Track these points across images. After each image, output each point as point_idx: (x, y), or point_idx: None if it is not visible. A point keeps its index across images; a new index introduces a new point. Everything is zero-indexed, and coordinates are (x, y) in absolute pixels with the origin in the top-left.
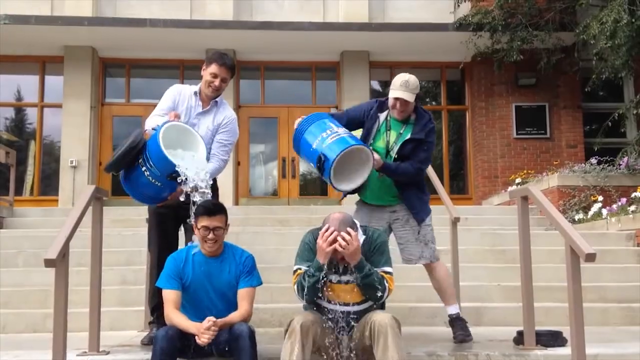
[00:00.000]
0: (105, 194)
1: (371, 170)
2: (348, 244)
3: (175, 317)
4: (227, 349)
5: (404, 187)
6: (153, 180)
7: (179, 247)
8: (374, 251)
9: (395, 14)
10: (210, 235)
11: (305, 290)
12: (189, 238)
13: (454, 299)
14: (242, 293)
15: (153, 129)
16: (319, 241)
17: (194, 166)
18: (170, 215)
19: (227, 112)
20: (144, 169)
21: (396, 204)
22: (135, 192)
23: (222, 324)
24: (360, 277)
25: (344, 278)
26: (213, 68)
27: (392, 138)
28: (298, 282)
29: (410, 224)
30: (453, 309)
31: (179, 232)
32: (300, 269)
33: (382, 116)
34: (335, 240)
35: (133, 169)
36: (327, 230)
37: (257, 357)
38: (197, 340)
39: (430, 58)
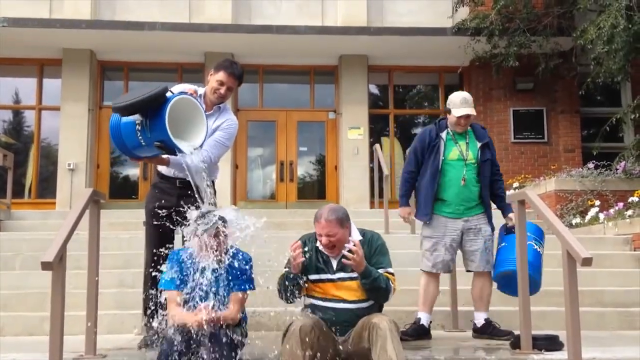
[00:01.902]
0: (103, 197)
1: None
2: (354, 254)
3: (176, 314)
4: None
5: (485, 196)
6: (140, 137)
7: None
8: (376, 253)
9: (394, 18)
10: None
11: (282, 290)
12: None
13: (487, 306)
14: (233, 296)
15: (171, 91)
16: (290, 252)
17: (189, 150)
18: (166, 214)
19: (229, 116)
20: (138, 122)
21: (471, 215)
22: (117, 137)
23: (214, 316)
24: (368, 283)
25: (346, 275)
26: (220, 75)
27: (463, 148)
28: (279, 282)
29: (482, 233)
30: (485, 315)
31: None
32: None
33: (444, 134)
34: (301, 251)
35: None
36: (295, 243)
37: (235, 356)
38: (194, 324)
39: (428, 62)
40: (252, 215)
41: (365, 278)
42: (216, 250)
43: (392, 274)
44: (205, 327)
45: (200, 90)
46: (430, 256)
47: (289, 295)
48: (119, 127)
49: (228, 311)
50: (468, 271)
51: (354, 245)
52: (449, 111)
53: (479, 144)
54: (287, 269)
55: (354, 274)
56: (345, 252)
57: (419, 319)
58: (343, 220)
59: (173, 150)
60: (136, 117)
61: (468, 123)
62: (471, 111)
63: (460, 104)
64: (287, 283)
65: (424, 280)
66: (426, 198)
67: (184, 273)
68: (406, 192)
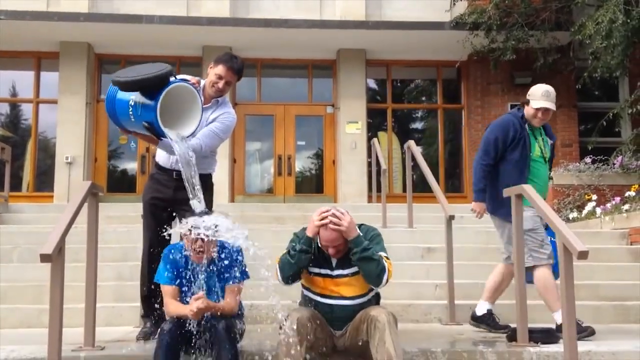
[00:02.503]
0: (101, 190)
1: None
2: (340, 220)
3: (173, 307)
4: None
5: None
6: (130, 112)
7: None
8: (371, 241)
9: (392, 12)
10: (198, 245)
11: (287, 264)
12: None
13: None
14: (228, 288)
15: (174, 75)
16: (314, 215)
17: (176, 137)
18: (162, 206)
19: (228, 109)
20: (132, 97)
21: None
22: (110, 106)
23: (212, 305)
24: (359, 251)
25: (345, 271)
26: (220, 69)
27: (541, 144)
28: (281, 260)
29: None
30: (489, 306)
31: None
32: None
33: (526, 127)
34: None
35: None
36: (325, 210)
37: (236, 350)
38: (190, 314)
39: (426, 56)
40: (241, 224)
41: (357, 246)
42: (203, 252)
43: (387, 257)
44: (201, 316)
45: (202, 83)
46: (542, 248)
47: (290, 274)
48: (114, 98)
49: (225, 302)
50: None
51: (342, 213)
52: (528, 102)
53: (550, 142)
54: (293, 244)
55: (353, 270)
56: (329, 217)
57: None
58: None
59: (159, 134)
60: (133, 93)
61: (546, 118)
62: (552, 106)
63: (541, 96)
64: (292, 255)
65: (547, 274)
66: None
67: (180, 268)
68: (484, 185)
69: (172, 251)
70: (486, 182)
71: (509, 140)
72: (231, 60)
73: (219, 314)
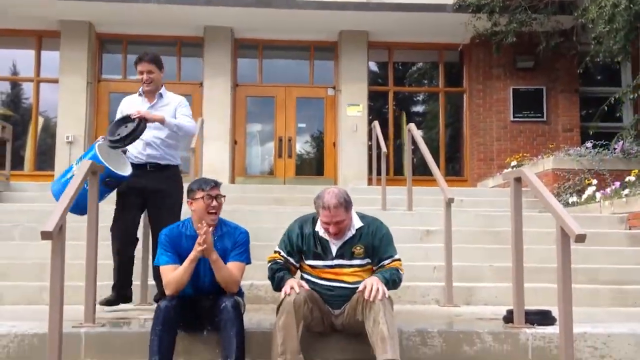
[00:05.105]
0: (101, 169)
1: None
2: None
3: (173, 276)
4: (215, 321)
5: None
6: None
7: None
8: (382, 243)
9: None
10: (214, 203)
11: (271, 281)
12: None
13: None
14: (233, 264)
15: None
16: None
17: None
18: (134, 193)
19: (177, 97)
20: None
21: None
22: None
23: (215, 255)
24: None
25: (346, 262)
26: (138, 67)
27: None
28: (270, 271)
29: None
30: None
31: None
32: (278, 253)
33: None
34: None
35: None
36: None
37: (243, 327)
38: (197, 247)
39: (428, 39)
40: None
41: (386, 286)
42: (215, 213)
43: (399, 259)
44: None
45: (139, 90)
46: None
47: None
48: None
49: (230, 270)
50: None
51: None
52: None
53: None
54: (283, 253)
55: (354, 262)
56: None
57: None
58: (348, 205)
59: (117, 176)
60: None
61: None
62: None
63: None
64: (276, 277)
65: None
66: None
67: (181, 248)
68: None
69: (171, 233)
70: None
71: None
72: (142, 57)
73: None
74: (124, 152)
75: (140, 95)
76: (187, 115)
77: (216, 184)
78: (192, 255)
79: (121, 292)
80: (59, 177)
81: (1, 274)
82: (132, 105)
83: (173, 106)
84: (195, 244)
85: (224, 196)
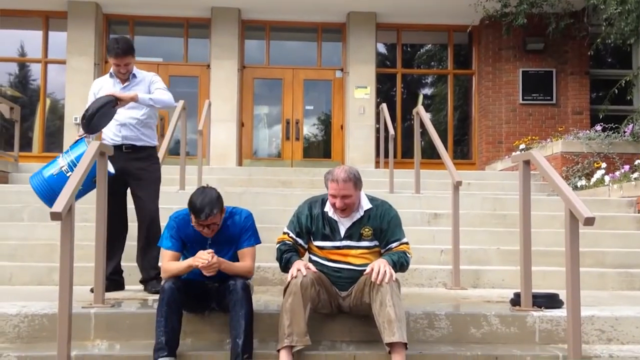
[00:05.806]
0: (110, 150)
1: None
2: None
3: (170, 266)
4: (224, 302)
5: None
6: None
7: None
8: (390, 226)
9: None
10: (206, 230)
11: (279, 262)
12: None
13: None
14: (244, 251)
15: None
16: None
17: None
18: (114, 176)
19: (148, 74)
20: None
21: None
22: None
23: (225, 264)
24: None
25: (354, 243)
26: (112, 60)
27: None
28: (278, 252)
29: None
30: None
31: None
32: (287, 234)
33: None
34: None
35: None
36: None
37: (252, 309)
38: (196, 263)
39: (437, 20)
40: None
41: (394, 268)
42: (211, 231)
43: (406, 243)
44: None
45: (110, 71)
46: None
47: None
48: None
49: (242, 264)
50: None
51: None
52: None
53: None
54: (292, 234)
55: (362, 243)
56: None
57: None
58: (358, 182)
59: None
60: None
61: None
62: None
63: None
64: (284, 258)
65: None
66: None
67: (188, 238)
68: None
69: (177, 219)
70: None
71: None
72: (114, 49)
73: (235, 273)
74: (98, 133)
75: (111, 76)
76: (162, 89)
77: (211, 213)
78: (193, 263)
79: (112, 278)
80: (40, 169)
81: (11, 254)
82: (104, 87)
83: (146, 83)
84: (194, 261)
85: (222, 215)
